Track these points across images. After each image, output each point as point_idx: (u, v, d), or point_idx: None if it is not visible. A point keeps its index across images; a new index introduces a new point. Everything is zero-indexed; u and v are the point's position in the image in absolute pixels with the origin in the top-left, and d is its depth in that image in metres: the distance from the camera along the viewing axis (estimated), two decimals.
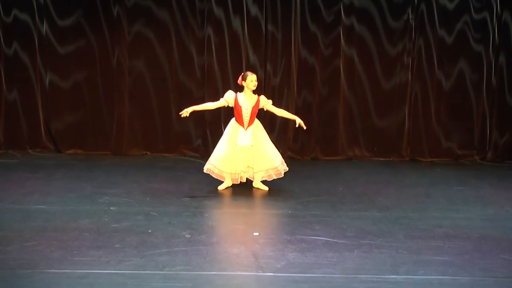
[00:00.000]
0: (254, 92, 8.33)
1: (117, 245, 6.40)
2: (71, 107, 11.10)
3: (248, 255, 6.28)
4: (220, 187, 8.49)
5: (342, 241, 6.70)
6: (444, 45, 11.08)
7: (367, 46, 11.12)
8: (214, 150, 8.48)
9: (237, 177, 8.43)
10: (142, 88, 11.09)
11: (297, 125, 8.40)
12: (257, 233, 6.91)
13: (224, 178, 8.43)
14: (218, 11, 10.91)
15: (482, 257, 6.33)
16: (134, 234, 6.76)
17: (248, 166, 8.37)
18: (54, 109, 11.10)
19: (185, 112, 8.30)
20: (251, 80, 8.25)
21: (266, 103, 8.37)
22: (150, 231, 6.89)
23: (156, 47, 11.00)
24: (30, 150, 11.05)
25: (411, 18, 11.03)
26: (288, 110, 11.18)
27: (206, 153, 10.90)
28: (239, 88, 8.55)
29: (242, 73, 8.46)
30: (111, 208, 7.75)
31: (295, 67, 11.05)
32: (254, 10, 10.94)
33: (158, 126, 11.17)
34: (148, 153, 11.20)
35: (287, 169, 8.54)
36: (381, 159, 11.21)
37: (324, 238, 6.78)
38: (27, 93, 11.07)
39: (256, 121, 8.37)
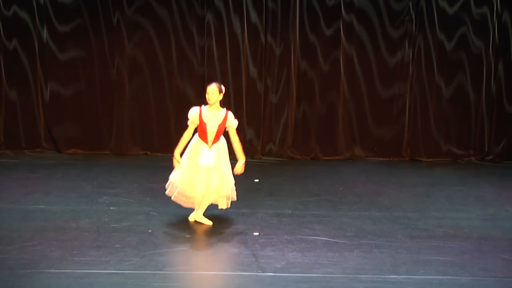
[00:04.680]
0: (222, 105, 7.10)
1: (117, 245, 6.41)
2: (71, 107, 11.09)
3: (248, 255, 6.28)
4: (191, 217, 7.30)
5: (342, 241, 6.70)
6: (444, 48, 11.08)
7: (367, 50, 11.11)
8: (174, 170, 7.25)
9: (197, 200, 7.16)
10: (142, 88, 11.09)
11: (237, 166, 7.09)
12: (257, 233, 6.92)
13: (184, 202, 7.18)
14: (218, 20, 10.92)
15: (482, 257, 6.34)
16: (134, 234, 6.76)
17: (211, 191, 7.06)
18: (54, 109, 11.09)
19: (176, 162, 7.15)
20: (206, 93, 7.01)
21: (231, 125, 7.04)
22: (150, 231, 6.89)
23: (156, 50, 11.00)
24: (30, 150, 11.04)
25: (409, 18, 11.01)
26: (289, 111, 11.32)
27: None
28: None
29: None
30: (111, 208, 7.75)
31: (294, 68, 11.06)
32: (253, 18, 10.96)
33: (158, 126, 11.16)
34: (148, 153, 11.20)
35: (235, 199, 7.24)
36: (381, 159, 11.21)
37: (324, 238, 6.78)
38: (27, 92, 11.06)
39: (222, 139, 7.09)
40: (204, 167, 6.98)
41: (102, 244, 6.43)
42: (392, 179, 9.76)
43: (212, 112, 6.99)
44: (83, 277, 5.59)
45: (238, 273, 5.92)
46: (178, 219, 7.34)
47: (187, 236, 6.78)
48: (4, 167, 9.89)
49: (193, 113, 7.02)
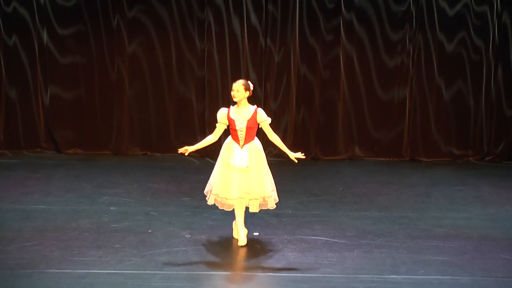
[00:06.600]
0: (252, 103, 6.77)
1: (117, 245, 6.41)
2: (72, 108, 11.09)
3: (248, 255, 6.28)
4: (237, 237, 6.77)
5: (342, 241, 6.70)
6: (444, 49, 11.08)
7: (367, 52, 11.10)
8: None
9: (235, 202, 6.67)
10: (142, 89, 11.09)
11: (293, 159, 6.77)
12: (257, 233, 6.92)
13: (225, 206, 6.72)
14: (218, 23, 10.92)
15: (482, 257, 6.34)
16: (134, 234, 6.76)
17: (245, 192, 6.64)
18: (54, 110, 11.09)
19: (184, 150, 6.86)
20: (231, 90, 6.71)
21: (264, 120, 6.70)
22: (150, 231, 6.90)
23: (156, 52, 11.00)
24: (29, 150, 11.04)
25: (409, 17, 11.02)
26: (289, 112, 11.32)
27: (205, 153, 10.92)
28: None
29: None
30: (111, 208, 7.75)
31: (294, 71, 11.06)
32: (253, 21, 10.96)
33: (158, 126, 11.17)
34: (148, 153, 11.20)
35: (277, 200, 6.76)
36: (381, 159, 11.21)
37: (324, 238, 6.78)
38: (27, 92, 11.06)
39: (256, 140, 6.75)
40: (236, 168, 6.62)
41: (102, 244, 6.44)
42: (392, 179, 9.76)
43: (240, 109, 6.68)
44: (83, 277, 5.59)
45: (239, 273, 5.92)
46: (178, 219, 7.34)
47: (187, 236, 6.78)
48: (4, 167, 9.89)
49: (221, 113, 6.73)
